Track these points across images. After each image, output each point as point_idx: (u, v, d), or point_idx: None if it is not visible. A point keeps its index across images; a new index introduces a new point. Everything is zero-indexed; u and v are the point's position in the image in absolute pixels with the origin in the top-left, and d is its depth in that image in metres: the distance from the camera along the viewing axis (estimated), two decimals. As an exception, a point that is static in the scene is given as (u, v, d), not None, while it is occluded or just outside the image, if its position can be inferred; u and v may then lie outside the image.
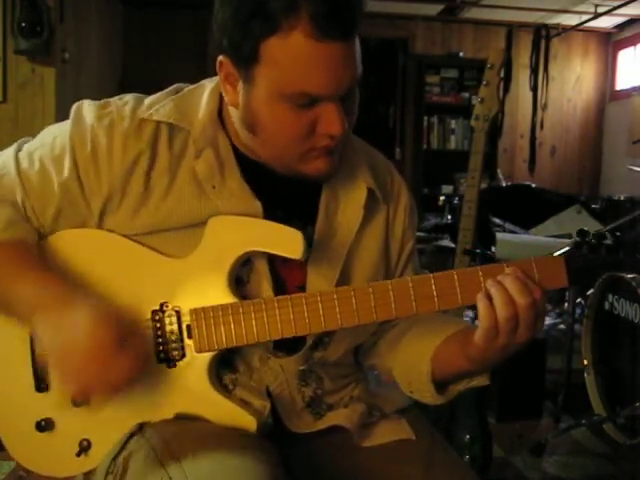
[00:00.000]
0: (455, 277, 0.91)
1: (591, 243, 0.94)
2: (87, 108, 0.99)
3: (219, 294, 0.95)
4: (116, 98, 1.02)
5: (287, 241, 0.95)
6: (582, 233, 0.95)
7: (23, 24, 3.19)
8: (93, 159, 0.95)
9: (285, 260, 0.96)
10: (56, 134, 0.99)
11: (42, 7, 3.23)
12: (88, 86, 4.29)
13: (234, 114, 0.97)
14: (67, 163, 0.96)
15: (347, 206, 1.04)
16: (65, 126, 1.00)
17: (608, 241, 0.92)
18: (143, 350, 0.90)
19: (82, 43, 4.21)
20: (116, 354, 0.86)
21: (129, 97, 1.02)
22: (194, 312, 0.95)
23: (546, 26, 6.13)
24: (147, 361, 0.91)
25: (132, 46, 5.53)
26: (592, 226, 3.43)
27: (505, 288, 0.88)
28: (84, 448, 0.96)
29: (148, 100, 1.01)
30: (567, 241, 2.55)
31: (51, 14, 3.35)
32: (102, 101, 1.01)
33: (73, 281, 0.96)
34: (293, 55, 0.85)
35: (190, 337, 0.95)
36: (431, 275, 0.92)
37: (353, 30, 0.88)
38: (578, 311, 3.24)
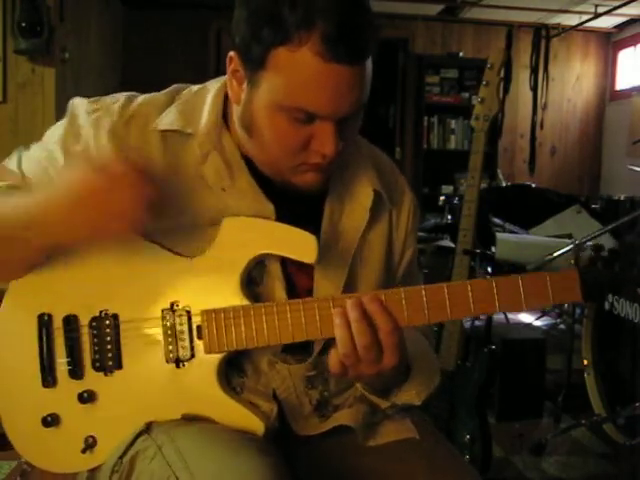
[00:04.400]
0: (468, 287, 0.91)
1: (605, 258, 0.94)
2: (77, 103, 1.01)
3: (231, 295, 0.95)
4: (110, 96, 1.02)
5: (301, 245, 0.95)
6: (597, 248, 0.96)
7: (23, 24, 3.18)
8: (84, 154, 0.96)
9: (294, 263, 0.96)
10: (52, 133, 1.01)
11: (42, 7, 3.23)
12: (88, 86, 4.29)
13: (235, 111, 0.97)
14: (60, 160, 0.97)
15: (352, 209, 1.04)
16: (60, 124, 1.01)
17: (622, 258, 0.94)
18: (136, 178, 0.86)
19: (82, 43, 4.20)
20: (111, 184, 0.84)
21: (121, 95, 1.02)
22: (205, 313, 0.94)
23: (546, 26, 6.13)
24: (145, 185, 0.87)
25: (132, 46, 5.53)
26: (592, 226, 3.43)
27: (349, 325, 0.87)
28: (89, 445, 0.96)
29: (140, 99, 1.01)
30: (567, 241, 2.56)
31: (51, 14, 3.34)
32: (94, 98, 1.02)
33: (82, 287, 0.97)
34: (298, 70, 0.85)
35: (200, 338, 0.95)
36: (444, 284, 0.92)
37: (362, 56, 0.87)
38: (578, 311, 3.24)
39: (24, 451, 0.99)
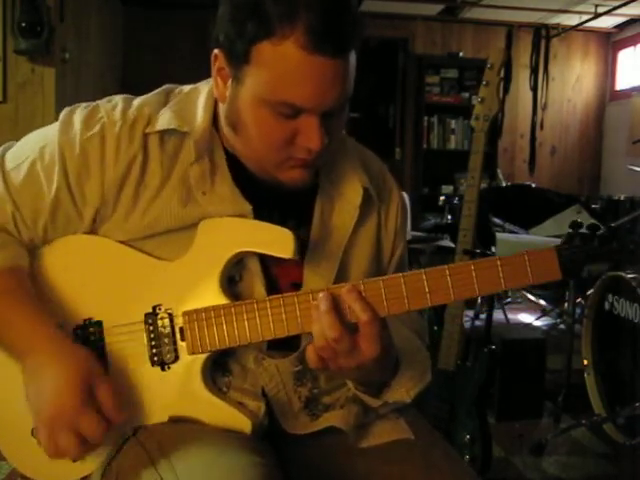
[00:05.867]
0: (447, 272, 0.90)
1: (584, 234, 0.93)
2: (76, 115, 0.98)
3: (212, 295, 0.95)
4: (104, 100, 1.00)
5: (278, 240, 0.95)
6: (575, 225, 0.94)
7: (23, 24, 3.18)
8: (84, 167, 0.95)
9: (278, 259, 0.96)
10: (44, 142, 0.98)
11: (42, 7, 3.22)
12: (88, 86, 4.29)
13: (221, 109, 0.98)
14: (57, 172, 0.95)
15: (342, 207, 1.04)
16: (52, 133, 0.98)
17: (601, 232, 0.91)
18: (112, 404, 0.89)
19: (82, 43, 4.20)
20: (79, 416, 0.86)
21: (117, 99, 1.01)
22: (186, 314, 0.95)
23: (546, 26, 6.13)
24: (118, 414, 0.89)
25: (132, 46, 5.53)
26: (592, 226, 3.42)
27: (320, 321, 0.87)
28: None
29: (137, 101, 1.00)
30: (567, 241, 2.56)
31: (51, 14, 3.34)
32: (91, 106, 0.99)
33: (66, 297, 0.97)
34: (282, 63, 0.85)
35: (183, 339, 0.95)
36: (422, 271, 0.90)
37: (346, 49, 0.88)
38: (578, 311, 3.24)
39: (16, 462, 0.99)
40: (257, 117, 0.91)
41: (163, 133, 0.97)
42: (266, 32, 0.85)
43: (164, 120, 0.97)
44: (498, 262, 0.90)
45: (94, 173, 0.95)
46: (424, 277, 0.90)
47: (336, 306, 0.87)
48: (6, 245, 0.96)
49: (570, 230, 0.93)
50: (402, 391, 1.00)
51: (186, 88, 1.04)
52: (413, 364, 1.02)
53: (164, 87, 1.05)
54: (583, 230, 0.93)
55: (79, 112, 0.98)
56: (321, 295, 0.88)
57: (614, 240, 0.91)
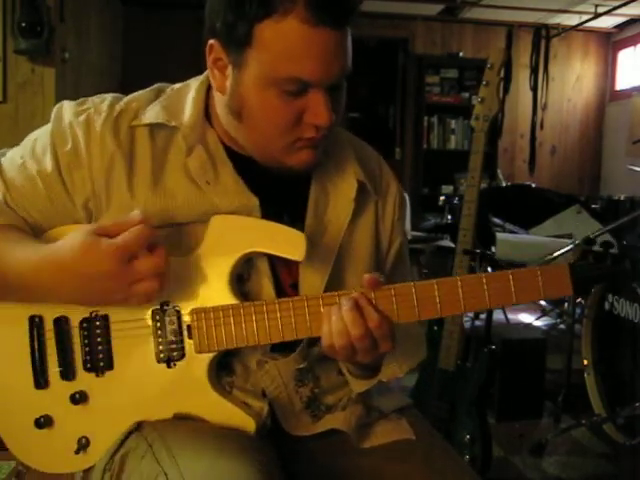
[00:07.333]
0: (459, 283, 0.91)
1: (597, 252, 0.93)
2: (66, 107, 1.00)
3: (220, 294, 0.95)
4: (96, 96, 1.02)
5: (289, 243, 0.95)
6: (588, 241, 0.94)
7: (23, 24, 3.18)
8: (74, 155, 0.96)
9: (285, 259, 0.96)
10: (36, 136, 1.00)
11: (42, 7, 3.22)
12: (88, 86, 4.29)
13: (220, 101, 0.97)
14: (49, 161, 0.96)
15: (337, 200, 1.04)
16: (45, 128, 1.00)
17: (614, 250, 0.92)
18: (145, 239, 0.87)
19: (82, 43, 4.20)
20: (128, 259, 0.86)
21: (108, 95, 1.02)
22: (195, 312, 0.94)
23: (546, 26, 6.13)
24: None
25: (132, 46, 5.53)
26: (592, 226, 3.43)
27: (342, 317, 0.88)
28: (83, 445, 0.96)
29: (127, 98, 1.01)
30: (567, 241, 2.56)
31: (51, 14, 3.34)
32: (80, 99, 1.01)
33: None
34: (286, 39, 0.86)
35: (190, 337, 0.95)
36: (434, 281, 0.91)
37: (347, 19, 0.89)
38: (578, 311, 3.24)
39: (18, 453, 0.99)
40: (263, 100, 0.90)
41: (152, 127, 0.97)
42: (267, 11, 0.85)
43: (152, 114, 0.98)
44: (510, 276, 0.90)
45: (83, 161, 0.96)
46: (435, 287, 0.91)
47: (358, 306, 0.88)
48: (8, 212, 0.97)
49: (584, 246, 0.94)
50: (394, 365, 1.02)
51: (177, 85, 1.05)
52: (406, 338, 1.02)
53: (156, 85, 1.05)
54: (596, 248, 0.93)
55: (68, 104, 1.00)
56: (343, 296, 0.89)
57: (626, 259, 0.92)
